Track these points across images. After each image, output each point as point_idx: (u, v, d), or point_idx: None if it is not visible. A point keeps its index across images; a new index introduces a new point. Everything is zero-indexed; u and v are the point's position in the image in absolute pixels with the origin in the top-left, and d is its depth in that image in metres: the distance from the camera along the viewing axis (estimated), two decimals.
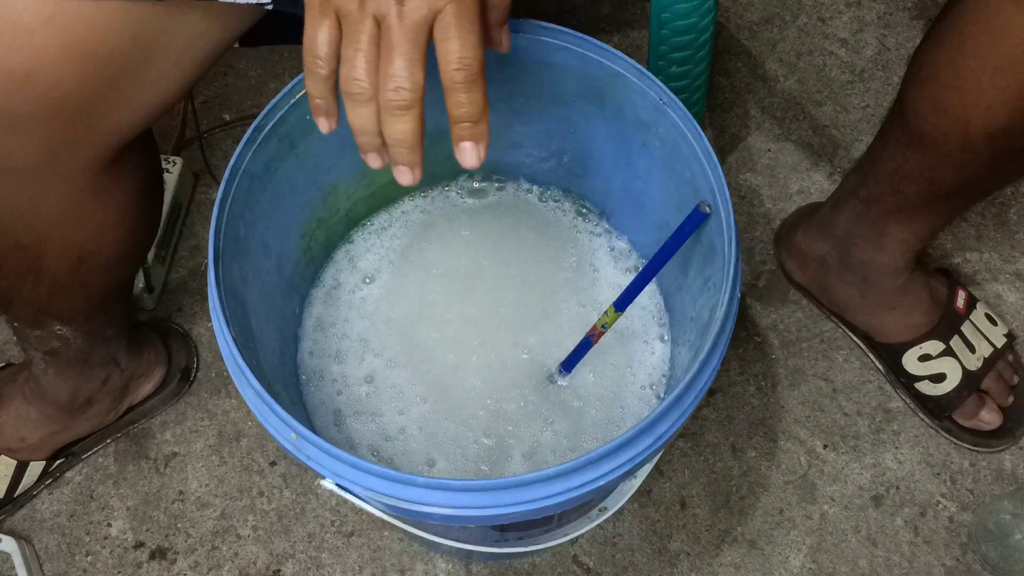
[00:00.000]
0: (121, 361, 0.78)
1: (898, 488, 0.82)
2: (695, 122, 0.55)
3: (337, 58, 0.42)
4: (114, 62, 0.47)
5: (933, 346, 0.83)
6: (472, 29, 0.41)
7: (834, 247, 0.83)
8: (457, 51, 0.40)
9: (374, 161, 0.45)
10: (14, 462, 0.79)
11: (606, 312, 0.59)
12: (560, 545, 0.78)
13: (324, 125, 0.45)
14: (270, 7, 0.50)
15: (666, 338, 0.68)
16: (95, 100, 0.49)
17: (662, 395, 0.66)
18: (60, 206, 0.55)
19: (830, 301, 0.87)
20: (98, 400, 0.79)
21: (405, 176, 0.44)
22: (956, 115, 0.62)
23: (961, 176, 0.67)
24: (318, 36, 0.42)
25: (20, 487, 0.80)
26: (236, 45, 0.54)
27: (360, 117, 0.42)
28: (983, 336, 0.84)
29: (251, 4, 0.49)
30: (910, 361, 0.83)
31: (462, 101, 0.42)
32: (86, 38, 0.46)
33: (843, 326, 0.88)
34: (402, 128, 0.42)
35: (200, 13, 0.49)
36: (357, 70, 0.41)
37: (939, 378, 0.82)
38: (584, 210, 0.72)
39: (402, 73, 0.40)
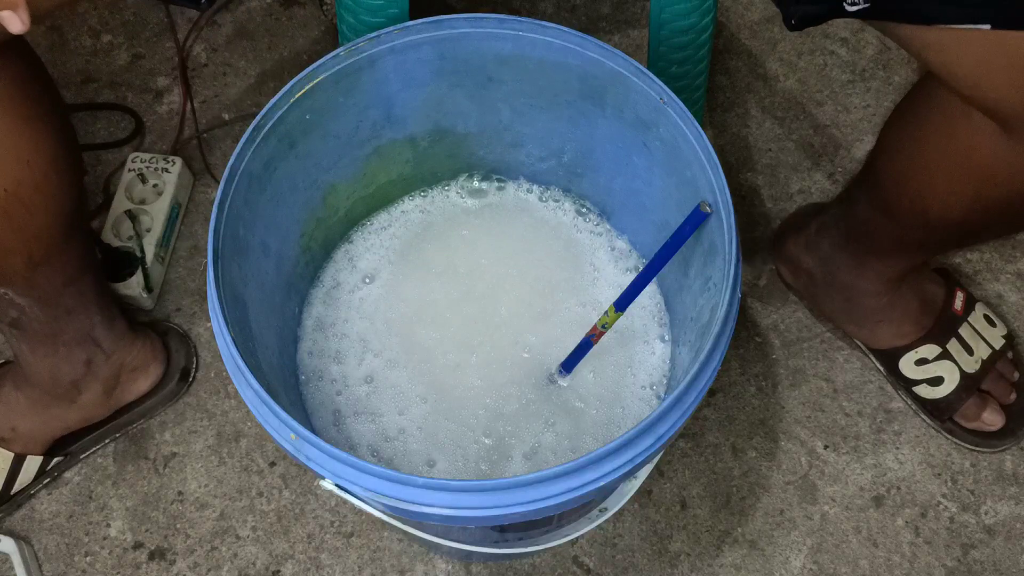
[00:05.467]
0: (102, 343, 0.77)
1: (899, 489, 0.82)
2: (695, 121, 0.55)
3: None
4: None
5: (929, 350, 0.82)
6: None
7: (818, 266, 0.83)
8: None
9: None
10: (10, 455, 0.79)
11: (606, 312, 0.58)
12: (560, 546, 0.78)
13: None
14: None
15: (666, 338, 0.67)
16: None
17: (662, 395, 0.65)
18: None
19: (819, 312, 0.88)
20: (85, 387, 0.78)
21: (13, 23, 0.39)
22: (915, 201, 0.64)
23: (929, 239, 0.69)
24: None
25: (17, 483, 0.79)
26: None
27: None
28: (981, 338, 0.83)
29: None
30: (907, 365, 0.83)
31: None
32: None
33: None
34: None
35: None
36: None
37: (936, 381, 0.82)
38: (584, 210, 0.72)
39: None
